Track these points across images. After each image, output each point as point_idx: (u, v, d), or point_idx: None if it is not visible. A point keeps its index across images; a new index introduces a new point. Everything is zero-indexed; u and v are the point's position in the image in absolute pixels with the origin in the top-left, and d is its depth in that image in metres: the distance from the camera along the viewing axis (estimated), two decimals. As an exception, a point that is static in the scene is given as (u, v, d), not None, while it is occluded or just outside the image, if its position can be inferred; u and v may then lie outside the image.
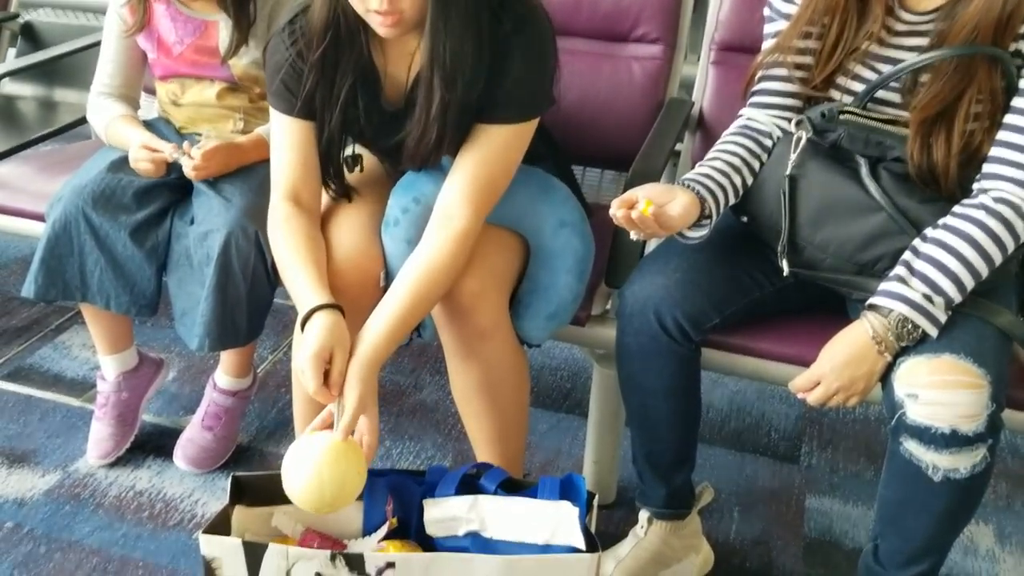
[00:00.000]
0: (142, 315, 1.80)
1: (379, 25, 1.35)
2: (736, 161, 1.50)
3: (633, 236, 1.41)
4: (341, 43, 1.43)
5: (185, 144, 1.73)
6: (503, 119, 1.44)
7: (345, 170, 1.58)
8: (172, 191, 1.82)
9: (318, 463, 1.28)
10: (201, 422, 1.97)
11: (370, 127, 1.52)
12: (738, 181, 1.49)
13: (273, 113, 1.52)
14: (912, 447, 1.30)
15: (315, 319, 1.36)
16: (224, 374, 1.97)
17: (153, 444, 2.01)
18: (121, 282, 1.75)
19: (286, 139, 1.51)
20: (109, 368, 1.96)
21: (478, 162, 1.44)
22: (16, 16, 2.56)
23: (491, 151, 1.45)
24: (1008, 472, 2.05)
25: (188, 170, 1.72)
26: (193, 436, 1.96)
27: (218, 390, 1.97)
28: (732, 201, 1.49)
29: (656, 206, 1.36)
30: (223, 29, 1.80)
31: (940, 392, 1.27)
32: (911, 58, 1.38)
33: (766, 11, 1.55)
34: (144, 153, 1.73)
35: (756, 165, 1.52)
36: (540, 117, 1.49)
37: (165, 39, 1.84)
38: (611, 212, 1.37)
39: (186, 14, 1.81)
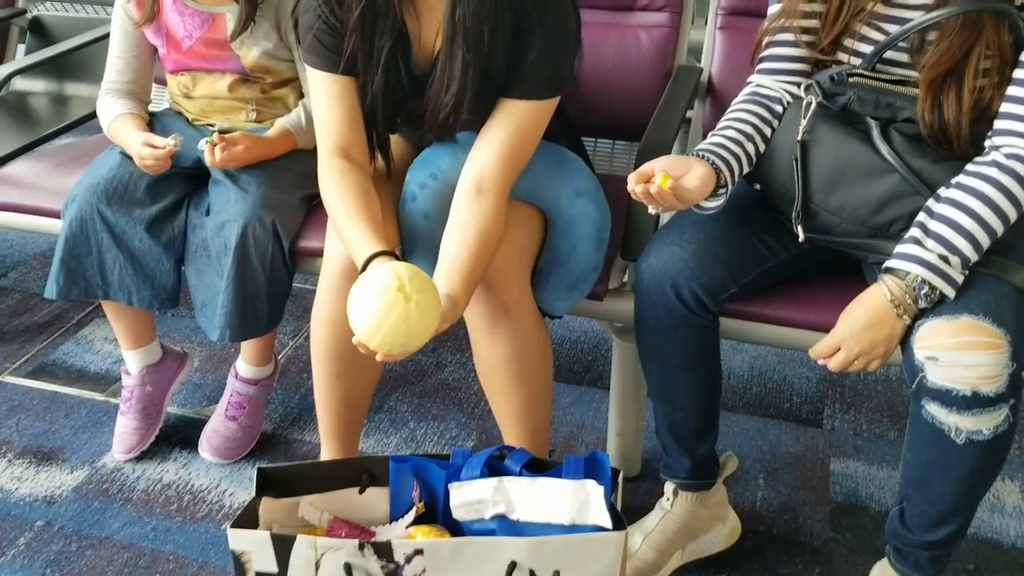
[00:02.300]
0: (164, 308, 1.81)
1: None
2: (748, 129, 1.48)
3: (651, 210, 1.40)
4: (377, 4, 1.43)
5: (215, 135, 1.71)
6: (527, 94, 1.45)
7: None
8: (186, 182, 1.82)
9: (397, 295, 1.24)
10: (225, 412, 1.98)
11: (402, 90, 1.52)
12: (751, 149, 1.48)
13: (311, 72, 1.51)
14: (934, 410, 1.29)
15: (374, 266, 1.35)
16: (245, 363, 1.98)
17: (178, 436, 2.03)
18: (141, 277, 1.76)
19: (328, 96, 1.50)
20: (133, 363, 1.97)
21: (503, 136, 1.45)
22: (24, 12, 2.56)
23: (515, 125, 1.46)
24: (1035, 427, 2.04)
25: (210, 159, 1.70)
26: (217, 426, 1.98)
27: (240, 379, 1.99)
28: (746, 169, 1.48)
29: (673, 179, 1.35)
30: (230, 21, 1.80)
31: (960, 353, 1.26)
32: (917, 17, 1.36)
33: (770, -25, 1.53)
34: (147, 151, 1.72)
35: (768, 132, 1.50)
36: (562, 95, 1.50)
37: (174, 34, 1.83)
38: (629, 188, 1.36)
39: (193, 8, 1.81)
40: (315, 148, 1.63)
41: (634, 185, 1.35)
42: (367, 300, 1.26)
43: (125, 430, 1.97)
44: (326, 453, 1.70)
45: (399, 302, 1.23)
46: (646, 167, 1.37)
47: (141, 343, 1.97)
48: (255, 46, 1.80)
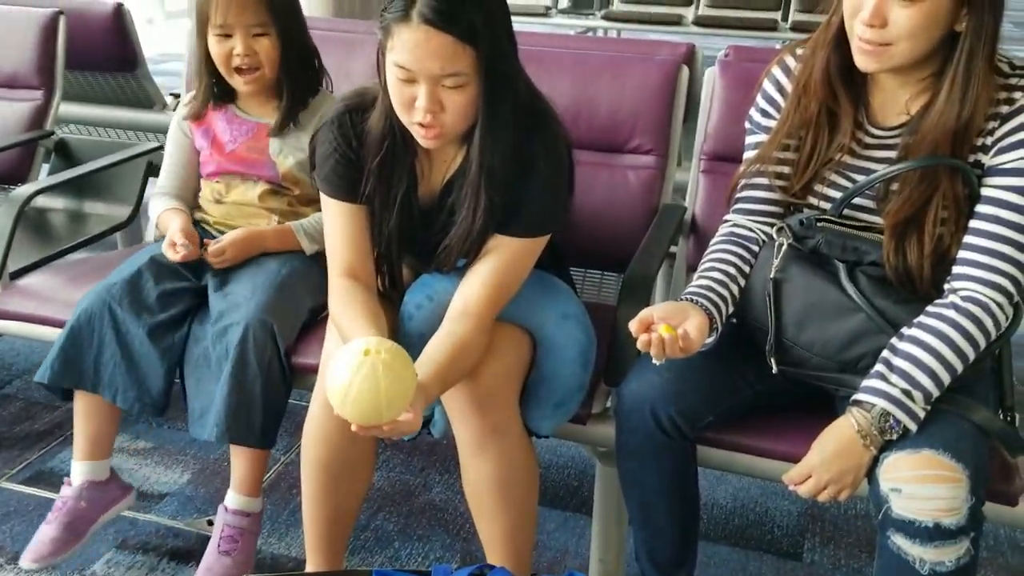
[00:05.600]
0: (145, 413, 1.84)
1: (422, 137, 1.48)
2: (732, 270, 1.57)
3: (655, 361, 1.44)
4: (397, 151, 1.56)
5: (207, 242, 1.86)
6: (521, 232, 1.56)
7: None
8: (194, 296, 1.90)
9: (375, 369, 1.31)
10: (217, 548, 1.87)
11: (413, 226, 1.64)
12: (735, 290, 1.57)
13: (324, 199, 1.63)
14: (899, 541, 1.34)
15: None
16: (235, 493, 1.90)
17: (168, 547, 2.05)
18: (131, 377, 1.82)
19: (341, 222, 1.62)
20: (78, 474, 1.91)
21: (493, 268, 1.55)
22: (51, 134, 2.71)
23: (507, 261, 1.56)
24: (1009, 566, 2.05)
25: (212, 261, 1.85)
26: (211, 564, 1.86)
27: (231, 512, 1.90)
28: (731, 309, 1.56)
29: (674, 329, 1.42)
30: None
31: (921, 486, 1.32)
32: (882, 169, 1.47)
33: (747, 124, 1.65)
34: (181, 237, 1.86)
35: (747, 270, 1.59)
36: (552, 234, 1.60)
37: (220, 137, 2.00)
38: (636, 338, 1.42)
39: (242, 117, 2.00)
40: (316, 256, 1.72)
41: (637, 333, 1.42)
42: (336, 366, 1.34)
43: (43, 538, 1.85)
44: (311, 568, 1.72)
45: (366, 365, 1.31)
46: (645, 314, 1.44)
47: (94, 456, 1.92)
48: (291, 155, 1.95)
